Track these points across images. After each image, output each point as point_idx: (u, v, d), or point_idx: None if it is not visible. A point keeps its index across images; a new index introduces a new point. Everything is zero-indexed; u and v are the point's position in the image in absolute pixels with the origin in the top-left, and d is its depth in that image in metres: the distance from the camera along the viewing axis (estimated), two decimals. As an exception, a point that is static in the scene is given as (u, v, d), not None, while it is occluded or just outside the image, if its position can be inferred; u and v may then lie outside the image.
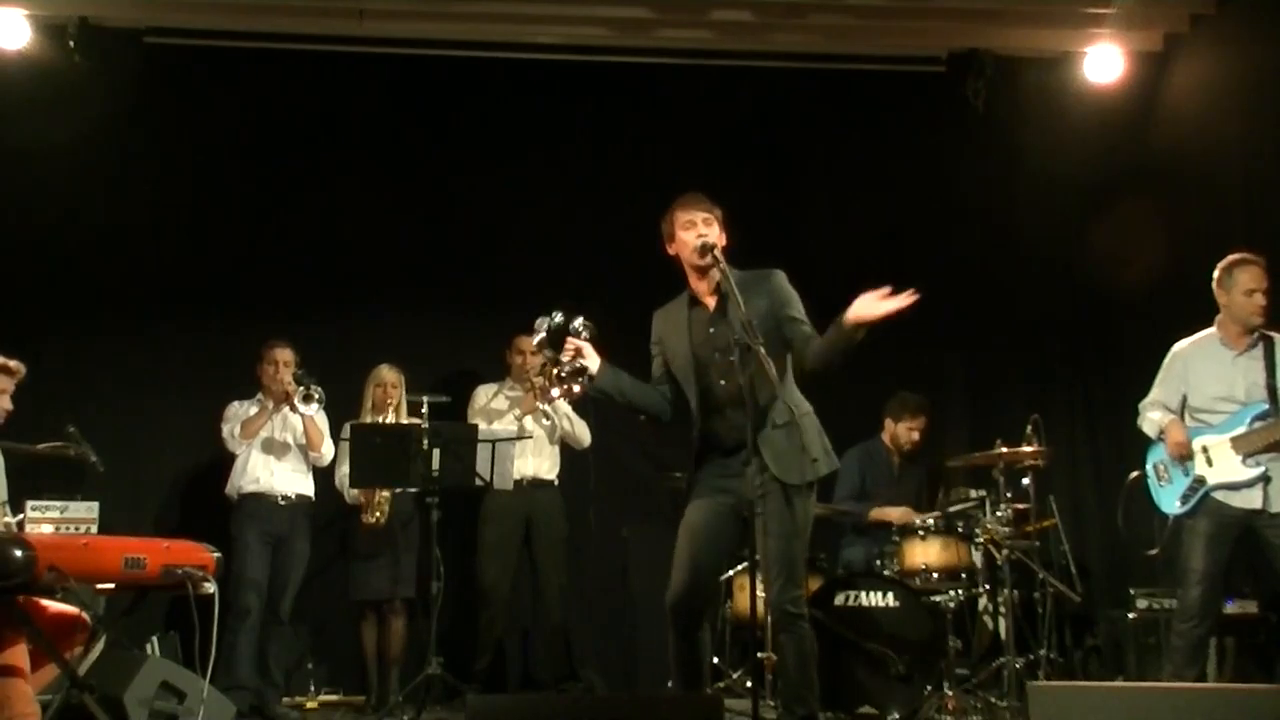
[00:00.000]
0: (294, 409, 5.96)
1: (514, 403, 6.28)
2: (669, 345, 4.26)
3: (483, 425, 6.12)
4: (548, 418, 6.28)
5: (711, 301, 4.20)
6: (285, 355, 6.02)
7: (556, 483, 6.31)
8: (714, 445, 4.15)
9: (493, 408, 6.27)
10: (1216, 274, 4.96)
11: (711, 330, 4.14)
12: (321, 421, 6.07)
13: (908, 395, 6.37)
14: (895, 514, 6.04)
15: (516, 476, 6.04)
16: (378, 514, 6.06)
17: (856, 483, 6.28)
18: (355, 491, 6.07)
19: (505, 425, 6.14)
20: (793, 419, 3.97)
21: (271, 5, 6.55)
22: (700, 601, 4.15)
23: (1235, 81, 6.31)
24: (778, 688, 4.11)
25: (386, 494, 6.07)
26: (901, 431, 6.34)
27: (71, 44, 6.36)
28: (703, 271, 4.16)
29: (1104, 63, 6.78)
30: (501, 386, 6.37)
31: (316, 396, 5.91)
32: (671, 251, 4.24)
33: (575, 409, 6.23)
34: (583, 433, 6.30)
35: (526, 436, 6.11)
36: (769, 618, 4.05)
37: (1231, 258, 4.93)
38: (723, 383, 4.11)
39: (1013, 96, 6.87)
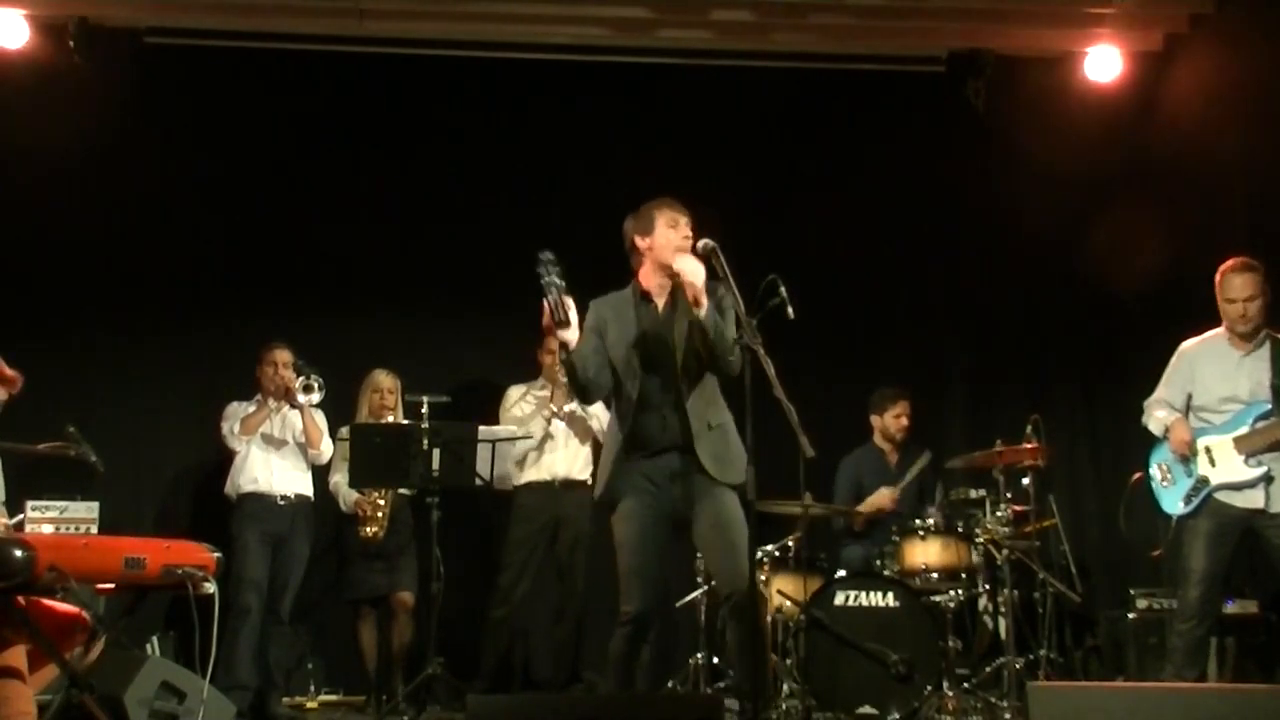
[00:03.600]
0: (294, 404, 5.96)
1: (541, 403, 6.26)
2: (611, 336, 4.21)
3: (512, 426, 6.15)
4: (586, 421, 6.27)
5: (662, 301, 4.21)
6: (284, 356, 6.02)
7: (591, 482, 6.30)
8: (641, 444, 4.14)
9: (522, 408, 6.28)
10: (1216, 277, 4.97)
11: (660, 329, 4.14)
12: (320, 419, 6.07)
13: (883, 388, 6.40)
14: (882, 500, 6.04)
15: (548, 476, 6.09)
16: (373, 528, 6.04)
17: (853, 490, 6.28)
18: (352, 500, 6.07)
19: (535, 427, 6.15)
20: (725, 422, 4.10)
21: (271, 5, 6.56)
22: (661, 608, 4.17)
23: (1235, 81, 6.32)
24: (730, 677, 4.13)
25: (384, 507, 6.06)
26: (889, 421, 6.35)
27: (71, 44, 6.37)
28: (670, 273, 4.16)
29: (1104, 63, 6.78)
30: (531, 387, 6.36)
31: (317, 386, 5.91)
32: (643, 246, 4.22)
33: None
34: None
35: (526, 437, 6.11)
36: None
37: (1225, 264, 4.93)
38: (661, 382, 4.11)
39: (1013, 96, 6.88)
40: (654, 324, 4.17)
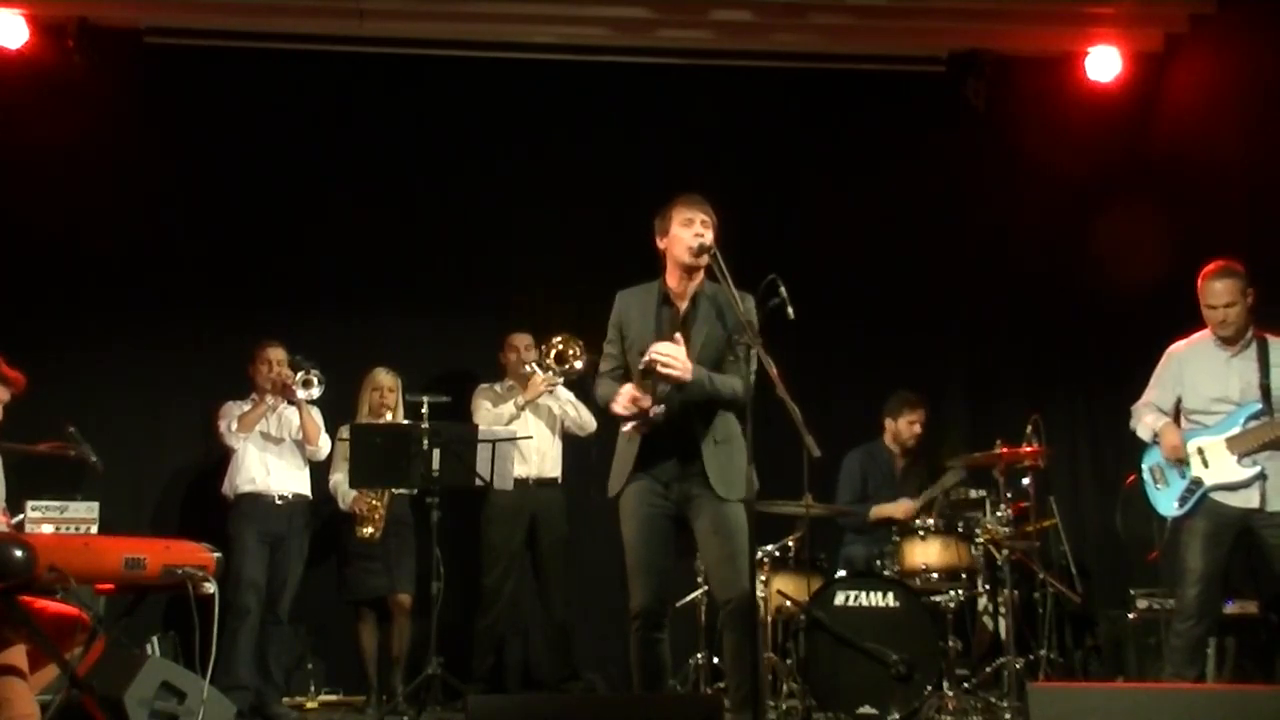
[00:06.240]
0: (292, 400, 5.96)
1: (499, 397, 6.29)
2: (634, 334, 4.21)
3: (485, 410, 6.18)
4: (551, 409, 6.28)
5: (684, 305, 4.20)
6: (278, 354, 6.03)
7: (560, 480, 6.31)
8: (651, 447, 4.13)
9: (496, 392, 6.32)
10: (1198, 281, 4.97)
11: (677, 335, 4.11)
12: (317, 416, 6.08)
13: (903, 392, 6.40)
14: (897, 510, 6.04)
15: (520, 475, 6.04)
16: (370, 529, 6.04)
17: (858, 485, 6.30)
18: (351, 498, 6.07)
19: (507, 409, 6.15)
20: (731, 436, 4.09)
21: (271, 5, 6.56)
22: (664, 605, 4.17)
23: (1235, 81, 6.32)
24: (727, 683, 4.15)
25: (381, 508, 6.05)
26: (903, 427, 6.35)
27: (71, 44, 6.37)
28: (689, 272, 4.17)
29: (1104, 63, 6.79)
30: (498, 386, 6.39)
31: (316, 380, 5.91)
32: (662, 245, 4.24)
33: (577, 395, 6.23)
34: (587, 419, 6.26)
35: (527, 437, 6.11)
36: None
37: (1206, 268, 4.92)
38: (677, 390, 4.10)
39: (1013, 96, 6.88)
40: (673, 328, 4.15)
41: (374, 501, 6.05)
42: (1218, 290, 4.85)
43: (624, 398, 4.05)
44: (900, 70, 7.04)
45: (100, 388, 6.54)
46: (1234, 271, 4.86)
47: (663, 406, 4.04)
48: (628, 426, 4.11)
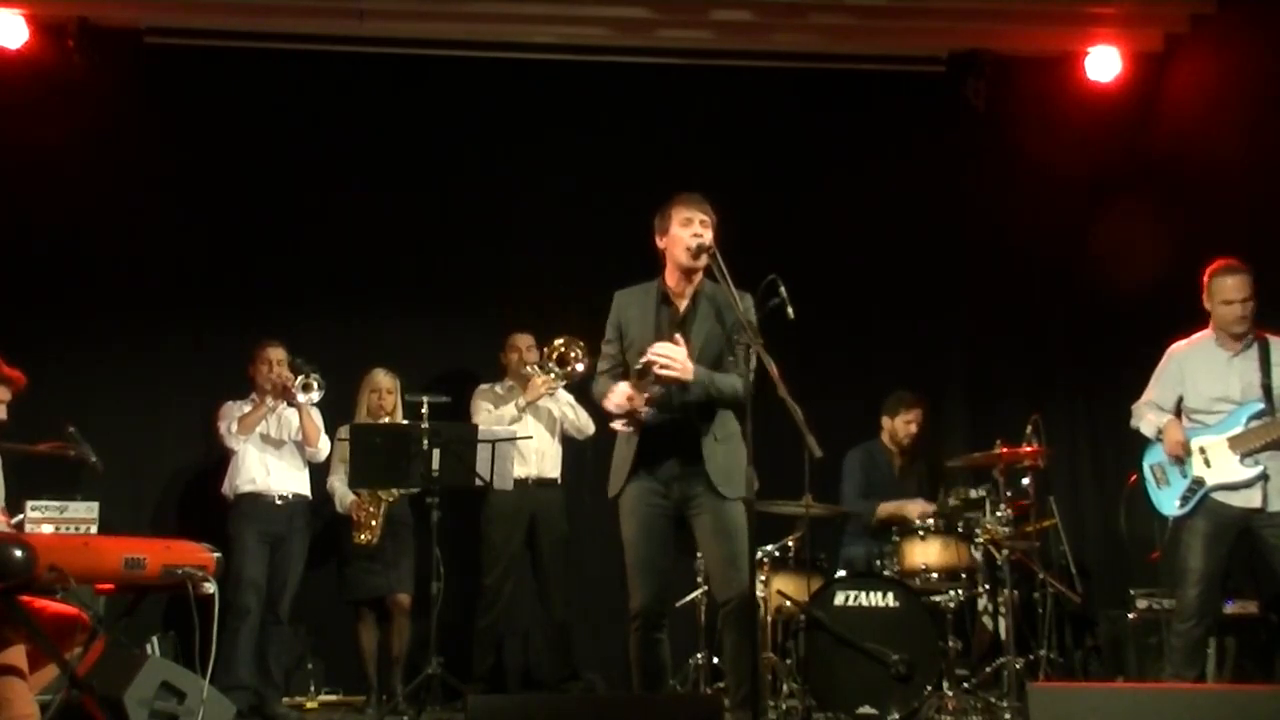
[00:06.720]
0: (292, 402, 5.96)
1: (502, 398, 6.29)
2: (633, 334, 4.21)
3: (486, 411, 6.17)
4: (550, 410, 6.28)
5: (683, 304, 4.21)
6: (278, 354, 6.03)
7: (559, 481, 6.31)
8: (650, 446, 4.14)
9: (496, 393, 6.31)
10: (1204, 280, 4.97)
11: (677, 336, 4.10)
12: (317, 417, 6.08)
13: (901, 391, 6.40)
14: (911, 510, 6.01)
15: (520, 475, 6.03)
16: (366, 535, 6.03)
17: (861, 482, 6.29)
18: (349, 502, 6.07)
19: (508, 411, 6.14)
20: (732, 434, 4.09)
21: (271, 5, 6.57)
22: (664, 605, 4.17)
23: (1235, 81, 6.32)
24: (726, 683, 4.16)
25: (378, 515, 6.05)
26: (900, 425, 6.35)
27: (71, 44, 6.38)
28: (688, 272, 4.17)
29: (1104, 63, 6.80)
30: (497, 385, 6.39)
31: (316, 384, 5.91)
32: (661, 245, 4.24)
33: (577, 398, 6.23)
34: (585, 421, 6.27)
35: (527, 437, 6.11)
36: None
37: (1214, 265, 4.94)
38: (680, 390, 4.09)
39: (1013, 96, 6.88)
40: (672, 328, 4.15)
41: (370, 508, 6.05)
42: (1232, 285, 4.87)
43: (618, 395, 4.06)
44: (900, 70, 7.05)
45: (100, 388, 6.54)
46: (1244, 268, 4.89)
47: (653, 409, 4.05)
48: (618, 424, 4.12)
